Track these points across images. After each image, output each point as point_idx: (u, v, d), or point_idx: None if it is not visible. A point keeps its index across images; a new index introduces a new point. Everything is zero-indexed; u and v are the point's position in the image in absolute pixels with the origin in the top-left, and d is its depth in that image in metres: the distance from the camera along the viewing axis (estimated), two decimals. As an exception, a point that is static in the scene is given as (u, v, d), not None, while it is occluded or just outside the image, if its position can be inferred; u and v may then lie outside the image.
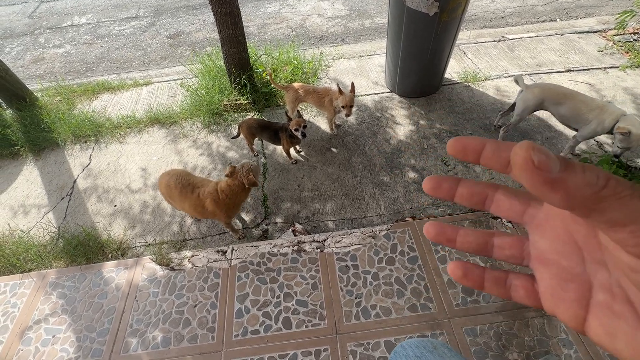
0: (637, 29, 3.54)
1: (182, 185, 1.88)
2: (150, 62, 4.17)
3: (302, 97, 2.59)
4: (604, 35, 3.58)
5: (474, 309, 1.67)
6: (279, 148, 2.67)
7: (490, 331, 1.61)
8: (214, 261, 1.94)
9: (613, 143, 2.54)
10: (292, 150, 2.60)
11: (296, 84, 2.60)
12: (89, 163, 2.78)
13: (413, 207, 2.27)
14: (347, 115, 2.40)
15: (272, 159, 2.67)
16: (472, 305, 1.68)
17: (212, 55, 3.34)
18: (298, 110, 2.41)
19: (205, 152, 2.75)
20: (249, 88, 2.99)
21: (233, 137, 2.66)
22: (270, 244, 2.00)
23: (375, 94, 3.12)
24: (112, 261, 2.01)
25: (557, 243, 0.27)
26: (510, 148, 0.23)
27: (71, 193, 2.58)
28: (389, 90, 3.14)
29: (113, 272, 1.94)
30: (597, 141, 2.53)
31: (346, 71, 3.42)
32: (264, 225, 2.28)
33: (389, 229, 2.00)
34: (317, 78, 3.35)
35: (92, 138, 2.96)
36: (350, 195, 2.38)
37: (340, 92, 2.34)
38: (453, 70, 3.27)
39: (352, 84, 2.43)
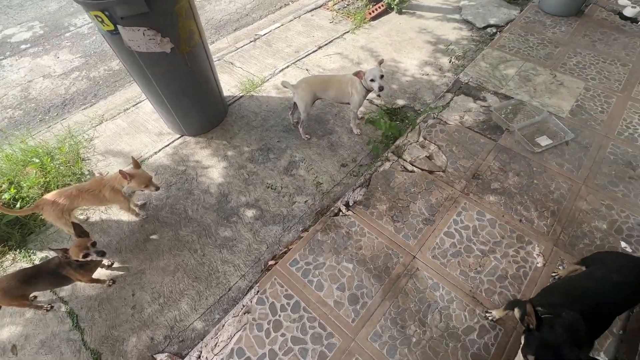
0: (345, -5, 4.30)
1: None
2: None
3: (69, 205, 1.92)
4: (327, 7, 4.19)
5: (371, 317, 1.73)
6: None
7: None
8: None
9: (378, 96, 3.03)
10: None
11: (50, 195, 1.89)
12: None
13: (268, 246, 2.12)
14: (157, 189, 1.97)
15: (78, 299, 1.94)
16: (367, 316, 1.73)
17: None
18: (73, 223, 1.76)
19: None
20: (-21, 228, 2.01)
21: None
22: (135, 416, 1.47)
23: (166, 146, 2.68)
24: None
25: None
26: None
27: None
28: (179, 135, 2.76)
29: None
30: (368, 100, 2.98)
31: (118, 135, 2.79)
32: (115, 389, 1.67)
33: (258, 292, 1.79)
34: (82, 160, 2.60)
35: None
36: (201, 277, 2.01)
37: (128, 175, 1.84)
38: (230, 85, 3.15)
39: (133, 158, 1.95)
